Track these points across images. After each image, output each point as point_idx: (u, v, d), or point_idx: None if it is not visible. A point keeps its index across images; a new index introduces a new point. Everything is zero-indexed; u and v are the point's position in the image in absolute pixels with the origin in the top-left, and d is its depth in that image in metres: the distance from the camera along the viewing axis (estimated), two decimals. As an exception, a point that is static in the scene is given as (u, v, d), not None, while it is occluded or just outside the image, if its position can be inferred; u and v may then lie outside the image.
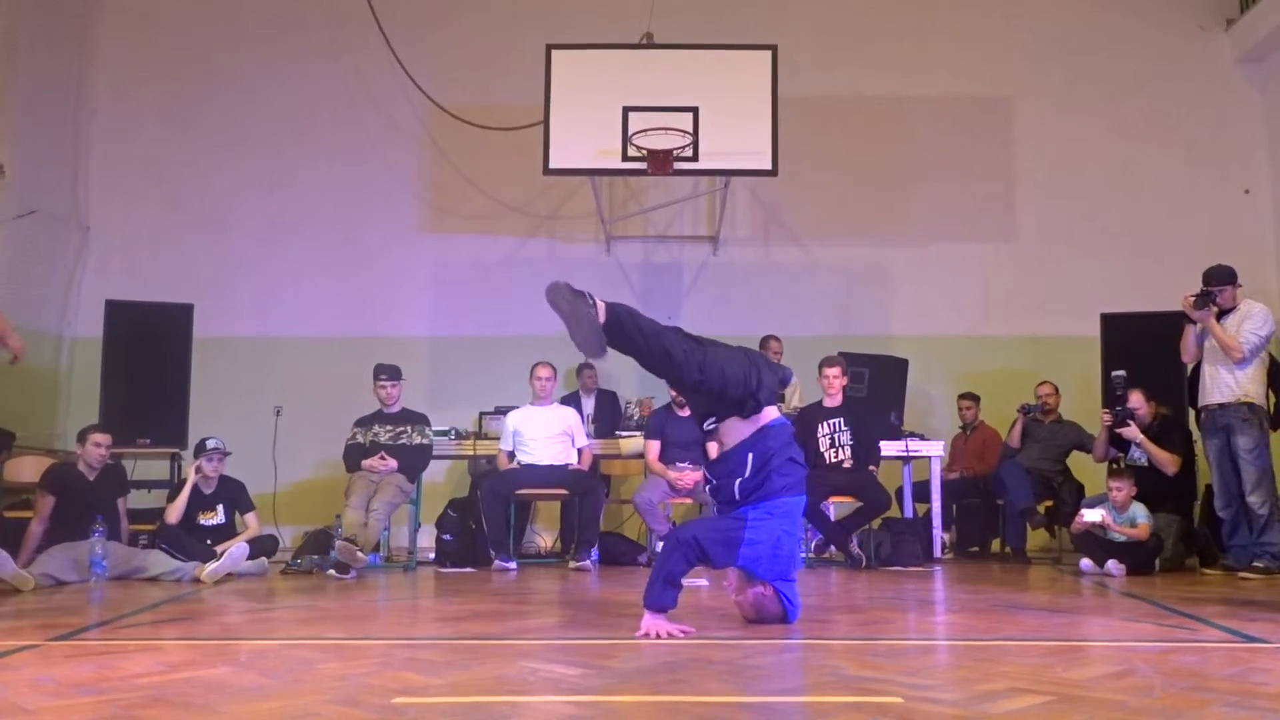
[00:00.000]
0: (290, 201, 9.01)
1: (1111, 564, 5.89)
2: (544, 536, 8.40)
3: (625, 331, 3.53)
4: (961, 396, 8.03)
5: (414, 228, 9.11)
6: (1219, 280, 6.07)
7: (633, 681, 2.63)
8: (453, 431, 7.33)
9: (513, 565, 6.54)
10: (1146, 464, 6.46)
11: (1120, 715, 2.18)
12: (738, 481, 3.56)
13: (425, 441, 6.81)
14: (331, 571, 5.97)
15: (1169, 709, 2.24)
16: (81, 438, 6.11)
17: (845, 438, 6.65)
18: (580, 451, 6.96)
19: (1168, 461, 6.39)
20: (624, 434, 7.47)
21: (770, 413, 3.65)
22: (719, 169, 7.47)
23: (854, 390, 7.03)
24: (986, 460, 7.68)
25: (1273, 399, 6.30)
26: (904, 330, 8.76)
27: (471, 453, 7.41)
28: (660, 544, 6.81)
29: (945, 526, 7.34)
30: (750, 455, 3.56)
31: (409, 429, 6.79)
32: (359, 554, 5.99)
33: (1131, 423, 6.49)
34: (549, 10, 8.92)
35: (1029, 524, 7.18)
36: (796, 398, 7.87)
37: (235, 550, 5.84)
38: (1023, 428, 7.47)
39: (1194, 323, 6.17)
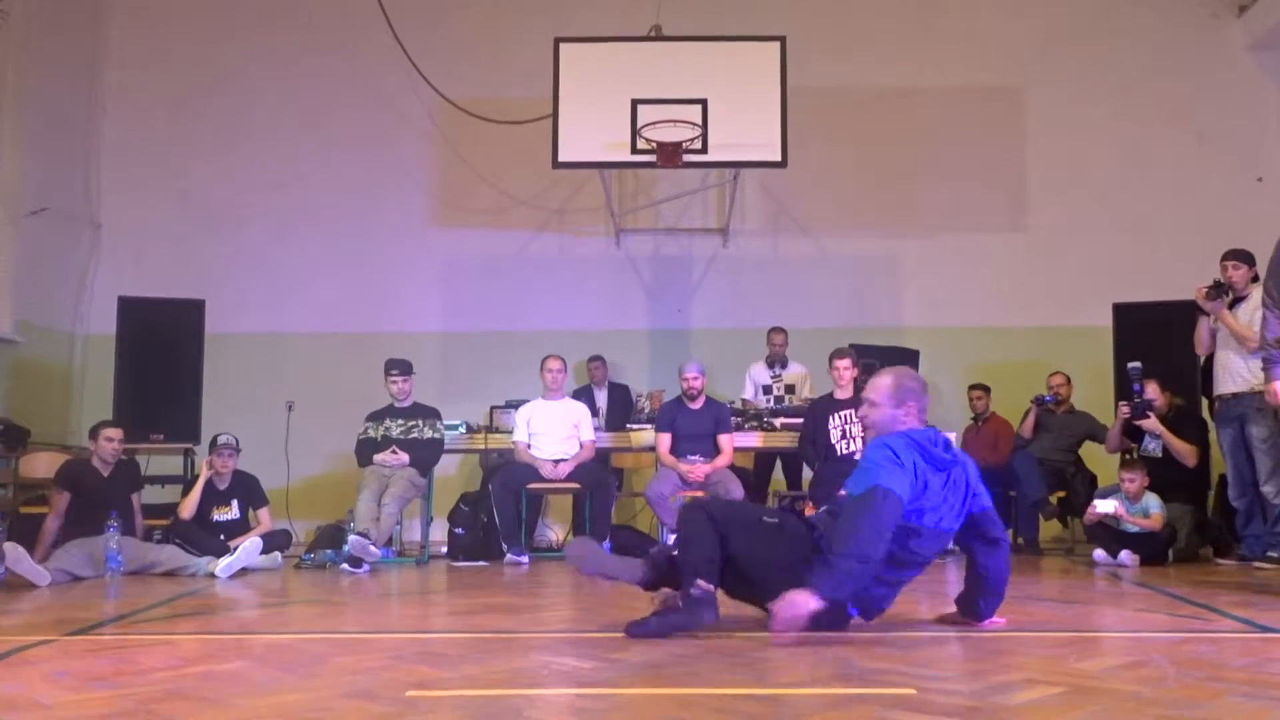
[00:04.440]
0: (301, 197, 9.03)
1: (1125, 555, 5.87)
2: (555, 530, 8.42)
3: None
4: (972, 387, 7.99)
5: (424, 222, 9.12)
6: (1236, 259, 6.02)
7: (645, 674, 2.63)
8: (464, 425, 7.34)
9: (525, 559, 6.55)
10: (1160, 454, 6.44)
11: (1134, 706, 2.17)
12: None
13: (437, 436, 6.84)
14: (344, 566, 6.00)
15: (1183, 700, 2.24)
16: (94, 433, 6.13)
17: (856, 429, 6.63)
18: (582, 444, 6.94)
19: (1188, 453, 6.36)
20: (635, 426, 7.47)
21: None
22: (728, 161, 7.45)
23: (865, 382, 6.99)
24: (998, 451, 7.65)
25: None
26: (915, 321, 8.74)
27: (483, 447, 7.42)
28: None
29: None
30: None
31: (420, 423, 6.81)
32: (371, 548, 6.01)
33: (1151, 414, 6.46)
34: (557, 3, 8.90)
35: (1041, 515, 7.16)
36: (807, 389, 7.87)
37: (249, 545, 5.86)
38: (1035, 418, 7.44)
39: (1206, 314, 6.14)
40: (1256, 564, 5.75)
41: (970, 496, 3.37)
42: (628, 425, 7.56)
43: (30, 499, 6.91)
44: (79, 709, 2.24)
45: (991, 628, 3.39)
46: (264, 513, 6.54)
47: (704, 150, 7.06)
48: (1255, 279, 6.02)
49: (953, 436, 7.25)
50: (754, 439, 7.20)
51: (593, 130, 7.12)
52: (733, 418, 7.09)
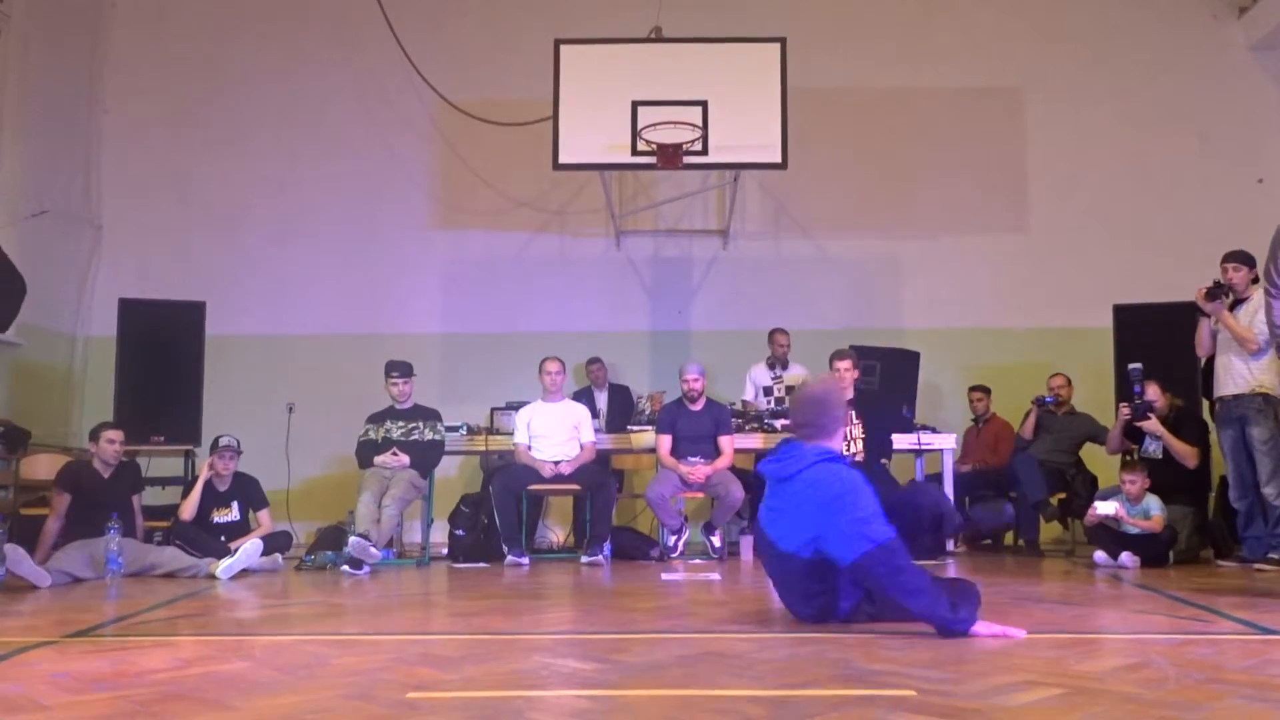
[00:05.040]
0: (301, 199, 9.04)
1: (1125, 556, 5.86)
2: (556, 531, 8.42)
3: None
4: (973, 389, 8.00)
5: (424, 224, 9.13)
6: (1236, 260, 6.02)
7: (646, 675, 2.63)
8: (464, 427, 7.35)
9: (525, 560, 6.55)
10: (1160, 456, 6.43)
11: (1134, 708, 2.17)
12: None
13: (437, 437, 6.84)
14: (345, 567, 6.00)
15: (1183, 701, 2.23)
16: (94, 435, 6.13)
17: (857, 431, 6.64)
18: (583, 446, 6.94)
19: (1188, 454, 6.35)
20: (635, 428, 7.47)
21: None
22: (728, 162, 7.45)
23: (865, 383, 7.01)
24: (999, 452, 7.66)
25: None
26: (915, 323, 8.74)
27: (483, 448, 7.42)
28: (671, 538, 6.83)
29: (957, 519, 7.33)
30: None
31: (421, 425, 6.81)
32: (372, 550, 6.01)
33: (1152, 415, 6.45)
34: (557, 5, 8.92)
35: (1042, 517, 7.16)
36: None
37: (249, 546, 5.86)
38: (1036, 420, 7.44)
39: (1207, 316, 6.14)
40: (1257, 566, 5.74)
41: (814, 524, 3.43)
42: (628, 427, 7.56)
43: (31, 501, 6.91)
44: (79, 710, 2.24)
45: (998, 635, 3.18)
46: (264, 514, 6.54)
47: (704, 152, 7.06)
48: (1255, 280, 6.02)
49: (953, 438, 7.31)
50: (755, 440, 7.20)
51: (593, 132, 7.12)
52: (733, 419, 7.10)
